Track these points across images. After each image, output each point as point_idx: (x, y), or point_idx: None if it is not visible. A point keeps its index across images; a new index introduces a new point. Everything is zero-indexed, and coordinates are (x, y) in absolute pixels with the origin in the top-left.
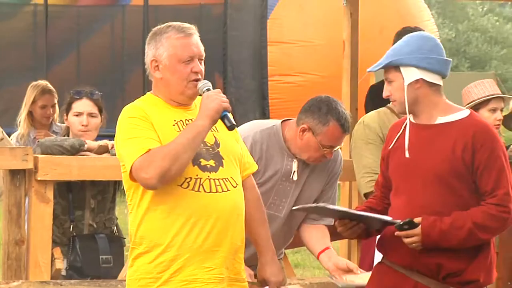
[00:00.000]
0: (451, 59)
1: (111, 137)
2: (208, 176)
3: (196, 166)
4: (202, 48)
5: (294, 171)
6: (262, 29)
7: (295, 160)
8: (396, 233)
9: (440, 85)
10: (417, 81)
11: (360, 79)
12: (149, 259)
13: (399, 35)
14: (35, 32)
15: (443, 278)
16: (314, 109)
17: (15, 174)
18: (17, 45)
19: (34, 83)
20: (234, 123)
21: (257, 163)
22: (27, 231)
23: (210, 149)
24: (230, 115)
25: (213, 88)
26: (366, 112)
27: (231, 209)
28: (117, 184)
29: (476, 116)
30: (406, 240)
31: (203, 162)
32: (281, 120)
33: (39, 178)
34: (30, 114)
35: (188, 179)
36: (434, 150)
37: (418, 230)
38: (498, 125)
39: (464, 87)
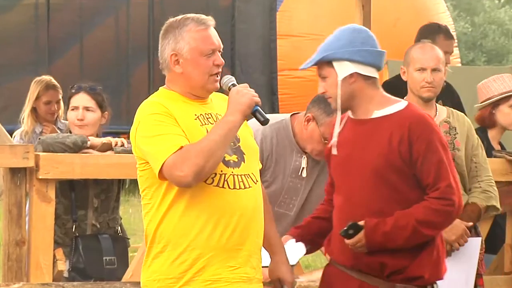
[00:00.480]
0: (385, 51)
1: (116, 134)
2: (232, 172)
3: (220, 162)
4: (219, 39)
5: (303, 168)
6: (271, 22)
7: (304, 156)
8: (346, 241)
9: (376, 78)
10: (351, 75)
11: None
12: (170, 259)
13: (422, 31)
14: (36, 26)
15: (387, 276)
16: (322, 99)
17: (15, 173)
18: (18, 39)
19: (38, 78)
20: (268, 117)
21: (267, 159)
22: (28, 231)
23: (232, 144)
24: (261, 110)
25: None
26: None
27: (253, 206)
28: (121, 183)
29: (413, 108)
30: (352, 247)
31: (227, 157)
32: (290, 114)
33: (40, 177)
34: (34, 110)
35: (213, 175)
36: (371, 144)
37: (361, 234)
38: None
39: (480, 82)
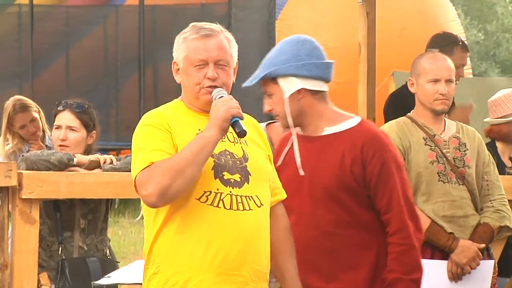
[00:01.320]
0: (333, 61)
1: (104, 150)
2: (230, 192)
3: (217, 179)
4: (224, 51)
5: None
6: (270, 31)
7: None
8: None
9: (325, 91)
10: (298, 91)
11: (378, 86)
12: (162, 281)
13: (437, 40)
14: (19, 35)
15: None
16: None
17: None
18: (0, 49)
19: (6, 102)
20: (245, 129)
21: None
22: (10, 254)
23: (238, 162)
24: (241, 122)
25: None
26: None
27: (253, 230)
28: (109, 203)
29: (366, 124)
30: None
31: (227, 175)
32: (265, 123)
33: (23, 197)
34: (17, 134)
35: (208, 193)
36: (322, 164)
37: None
38: None
39: (492, 94)
